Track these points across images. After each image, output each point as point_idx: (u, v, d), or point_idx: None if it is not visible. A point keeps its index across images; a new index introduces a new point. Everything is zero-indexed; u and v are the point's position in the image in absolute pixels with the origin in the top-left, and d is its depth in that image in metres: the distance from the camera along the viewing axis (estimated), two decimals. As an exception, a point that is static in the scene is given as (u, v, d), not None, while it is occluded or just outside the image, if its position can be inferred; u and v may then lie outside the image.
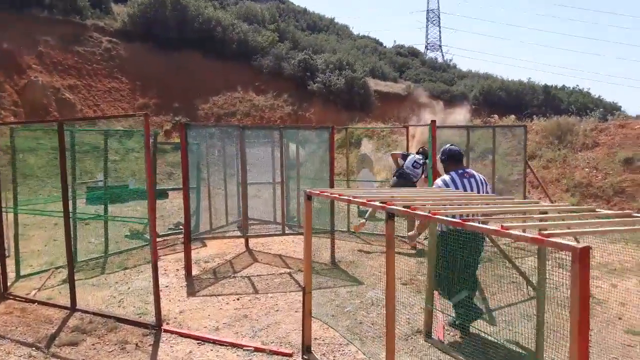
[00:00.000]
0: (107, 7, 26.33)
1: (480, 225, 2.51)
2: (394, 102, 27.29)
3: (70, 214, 5.50)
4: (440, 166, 4.97)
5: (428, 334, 4.35)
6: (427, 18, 63.30)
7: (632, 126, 12.91)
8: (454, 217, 2.63)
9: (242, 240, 8.03)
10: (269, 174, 8.45)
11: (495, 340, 4.09)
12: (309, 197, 3.92)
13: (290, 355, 4.08)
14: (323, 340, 4.41)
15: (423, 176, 8.32)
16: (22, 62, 20.03)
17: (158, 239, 8.87)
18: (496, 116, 17.38)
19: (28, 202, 6.80)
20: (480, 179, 4.54)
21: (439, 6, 63.74)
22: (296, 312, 5.09)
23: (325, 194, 3.73)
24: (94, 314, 4.92)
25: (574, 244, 1.92)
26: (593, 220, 2.81)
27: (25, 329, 4.57)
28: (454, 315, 4.49)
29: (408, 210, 2.71)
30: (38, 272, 6.65)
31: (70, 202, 7.25)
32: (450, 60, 68.77)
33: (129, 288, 5.91)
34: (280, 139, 6.95)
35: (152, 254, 4.51)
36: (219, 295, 5.66)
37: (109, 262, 7.34)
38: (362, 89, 23.98)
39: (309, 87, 24.26)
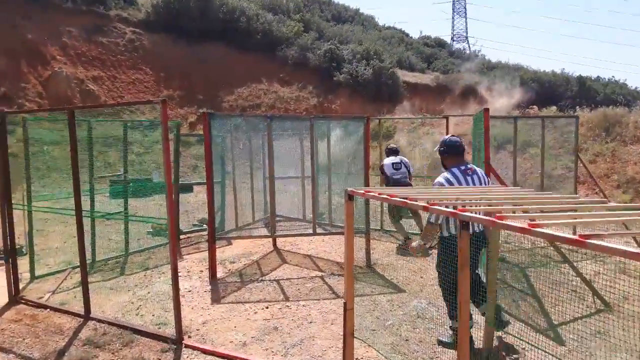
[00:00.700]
0: (131, -2, 26.05)
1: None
2: (423, 93, 26.45)
3: (86, 212, 5.04)
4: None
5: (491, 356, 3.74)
6: (453, 9, 61.92)
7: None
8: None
9: (270, 238, 7.51)
10: (297, 168, 7.89)
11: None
12: (350, 197, 3.34)
13: (329, 380, 3.52)
14: (365, 361, 3.84)
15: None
16: (46, 53, 19.88)
17: (182, 236, 8.44)
18: (535, 107, 16.46)
19: (45, 197, 6.39)
20: (482, 176, 4.02)
21: (465, -4, 61.84)
22: (332, 324, 4.53)
23: (372, 194, 3.14)
24: (109, 323, 4.45)
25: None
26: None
27: (33, 341, 4.12)
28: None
29: (489, 218, 2.11)
30: (54, 273, 6.24)
31: (88, 198, 6.87)
32: (479, 51, 67.12)
33: (148, 292, 5.43)
34: (310, 130, 6.37)
35: (171, 260, 3.99)
36: (246, 302, 5.14)
37: (130, 262, 6.91)
38: (391, 80, 23.18)
39: (335, 78, 23.58)
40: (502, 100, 18.76)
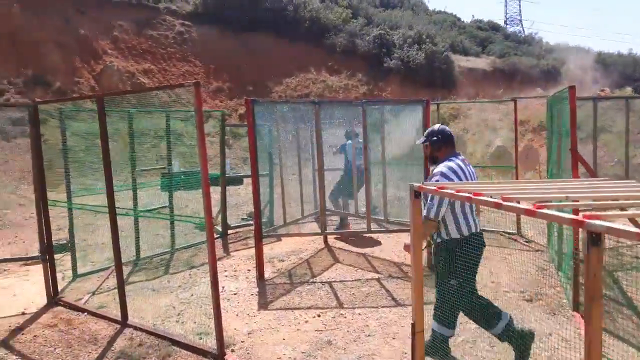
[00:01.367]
0: (180, -9, 26.10)
1: None
2: (478, 78, 25.18)
3: (120, 209, 4.67)
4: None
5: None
6: (506, -9, 59.46)
7: None
8: None
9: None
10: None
11: None
12: (417, 194, 2.72)
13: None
14: (436, 387, 3.24)
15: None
16: (98, 47, 20.14)
17: (230, 231, 8.05)
18: (607, 89, 15.07)
19: (88, 191, 6.12)
20: (472, 169, 3.56)
21: (519, -22, 59.03)
22: (393, 339, 3.94)
23: (448, 191, 2.51)
24: (147, 332, 4.05)
25: None
26: None
27: (64, 352, 3.77)
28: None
29: None
30: (97, 271, 5.97)
31: (131, 192, 6.56)
32: (536, 33, 63.92)
33: (192, 295, 5.03)
34: (362, 116, 5.76)
35: (210, 264, 3.52)
36: (295, 308, 4.63)
37: (175, 259, 6.57)
38: (445, 64, 22.09)
39: (385, 64, 22.72)
40: (565, 84, 17.40)
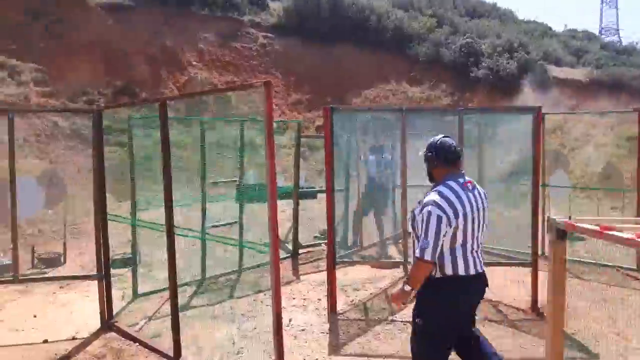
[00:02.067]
0: (264, 3, 26.40)
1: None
2: (574, 88, 23.11)
3: (181, 230, 4.19)
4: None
5: None
6: (601, 0, 55.62)
7: None
8: None
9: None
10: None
11: None
12: (562, 235, 1.89)
13: None
14: None
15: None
16: (184, 59, 20.64)
17: (301, 251, 7.45)
18: None
19: (151, 205, 5.76)
20: (483, 193, 2.90)
21: (616, -14, 55.02)
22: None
23: (621, 235, 1.67)
24: (199, 374, 3.48)
25: None
26: None
27: (105, 393, 3.28)
28: None
29: None
30: (159, 291, 5.54)
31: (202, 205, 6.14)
32: (637, 43, 59.17)
33: (254, 328, 4.43)
34: (459, 126, 4.92)
35: (273, 302, 2.88)
36: (373, 356, 3.87)
37: (242, 281, 6.05)
38: (539, 74, 20.41)
39: (473, 74, 21.40)
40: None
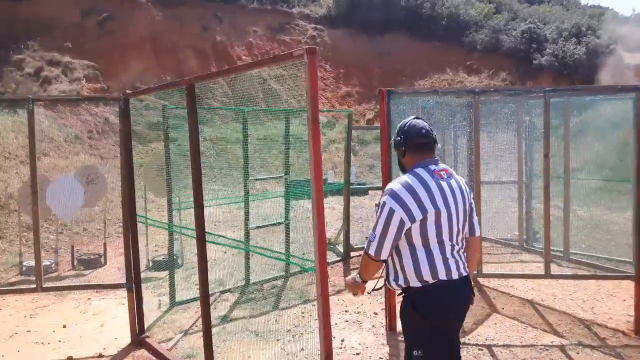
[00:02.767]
0: (314, -5, 25.84)
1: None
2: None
3: (213, 236, 3.64)
4: None
5: None
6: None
7: None
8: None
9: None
10: (513, 170, 5.63)
11: None
12: None
13: None
14: None
15: None
16: (233, 53, 20.41)
17: (353, 254, 6.79)
18: None
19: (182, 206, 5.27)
20: (463, 184, 2.41)
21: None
22: None
23: None
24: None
25: None
26: None
27: None
28: None
29: None
30: (197, 299, 5.05)
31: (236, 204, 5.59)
32: None
33: (301, 349, 3.82)
34: (545, 112, 4.10)
35: (320, 320, 2.27)
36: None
37: (288, 288, 5.47)
38: (613, 60, 18.75)
39: (535, 61, 19.96)
40: None
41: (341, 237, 6.93)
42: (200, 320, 4.39)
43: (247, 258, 5.48)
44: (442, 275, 2.23)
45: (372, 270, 2.37)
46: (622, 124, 4.29)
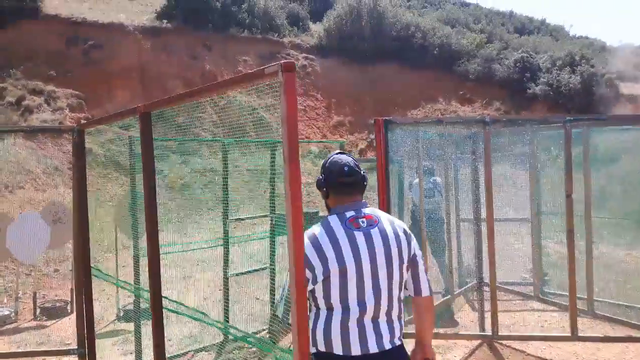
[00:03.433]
0: (305, 25, 25.77)
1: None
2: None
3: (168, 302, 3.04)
4: None
5: None
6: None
7: None
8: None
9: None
10: (524, 207, 5.09)
11: None
12: None
13: None
14: None
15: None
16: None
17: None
18: None
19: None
20: (401, 232, 1.96)
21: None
22: None
23: None
24: None
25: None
26: None
27: None
28: None
29: None
30: (176, 357, 4.38)
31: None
32: None
33: None
34: (566, 143, 3.57)
35: None
36: None
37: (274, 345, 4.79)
38: (608, 89, 18.57)
39: (530, 90, 19.77)
40: None
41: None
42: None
43: (225, 308, 4.83)
44: (338, 349, 1.79)
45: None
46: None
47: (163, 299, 2.47)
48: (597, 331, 4.37)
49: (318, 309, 1.90)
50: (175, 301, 3.58)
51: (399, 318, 1.95)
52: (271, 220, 5.43)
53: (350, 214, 1.95)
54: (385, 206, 3.64)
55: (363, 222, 1.94)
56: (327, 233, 1.91)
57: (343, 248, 1.87)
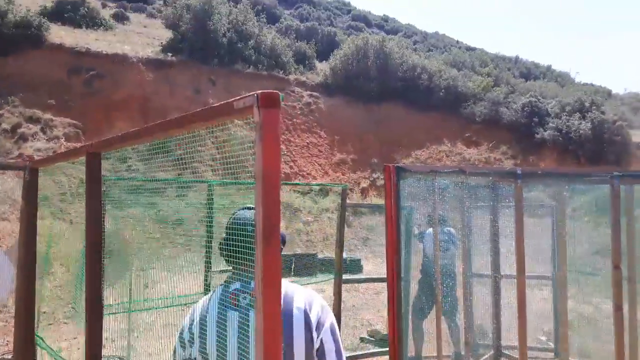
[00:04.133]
0: (311, 63, 25.74)
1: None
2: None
3: None
4: None
5: None
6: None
7: None
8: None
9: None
10: (546, 264, 4.49)
11: None
12: None
13: None
14: None
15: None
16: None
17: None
18: None
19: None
20: (314, 312, 1.62)
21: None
22: None
23: None
24: None
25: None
26: None
27: None
28: None
29: None
30: None
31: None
32: None
33: None
34: (613, 200, 3.00)
35: None
36: None
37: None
38: (618, 136, 18.14)
39: (538, 135, 19.37)
40: None
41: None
42: None
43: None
44: None
45: None
46: None
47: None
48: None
49: None
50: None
51: None
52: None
53: (234, 286, 1.63)
54: (393, 263, 3.04)
55: (243, 299, 1.59)
56: (201, 308, 1.68)
57: (210, 329, 1.60)
